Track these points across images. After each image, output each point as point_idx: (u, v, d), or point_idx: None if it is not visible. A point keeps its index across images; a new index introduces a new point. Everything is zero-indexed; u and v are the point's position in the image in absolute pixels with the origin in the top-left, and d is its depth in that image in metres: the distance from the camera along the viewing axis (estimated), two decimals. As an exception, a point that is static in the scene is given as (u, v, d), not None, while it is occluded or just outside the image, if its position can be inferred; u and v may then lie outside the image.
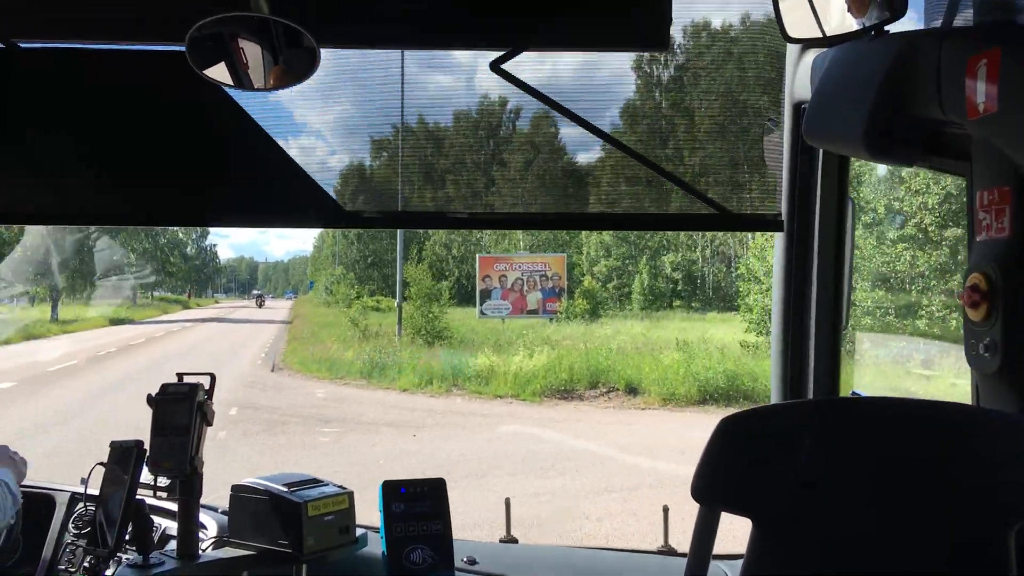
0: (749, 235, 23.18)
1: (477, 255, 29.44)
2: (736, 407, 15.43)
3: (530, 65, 2.31)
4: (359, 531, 2.14)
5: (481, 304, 26.86)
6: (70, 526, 2.50)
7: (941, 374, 16.02)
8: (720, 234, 30.75)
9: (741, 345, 21.26)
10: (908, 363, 17.47)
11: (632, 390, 18.59)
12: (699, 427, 14.47)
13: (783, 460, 1.35)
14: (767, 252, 20.33)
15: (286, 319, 37.31)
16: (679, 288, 36.07)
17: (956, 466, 1.30)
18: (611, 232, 31.61)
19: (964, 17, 1.68)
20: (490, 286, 26.79)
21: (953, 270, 17.84)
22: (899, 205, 19.08)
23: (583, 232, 33.20)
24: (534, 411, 17.09)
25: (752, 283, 22.48)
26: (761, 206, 2.55)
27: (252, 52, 1.87)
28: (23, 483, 2.36)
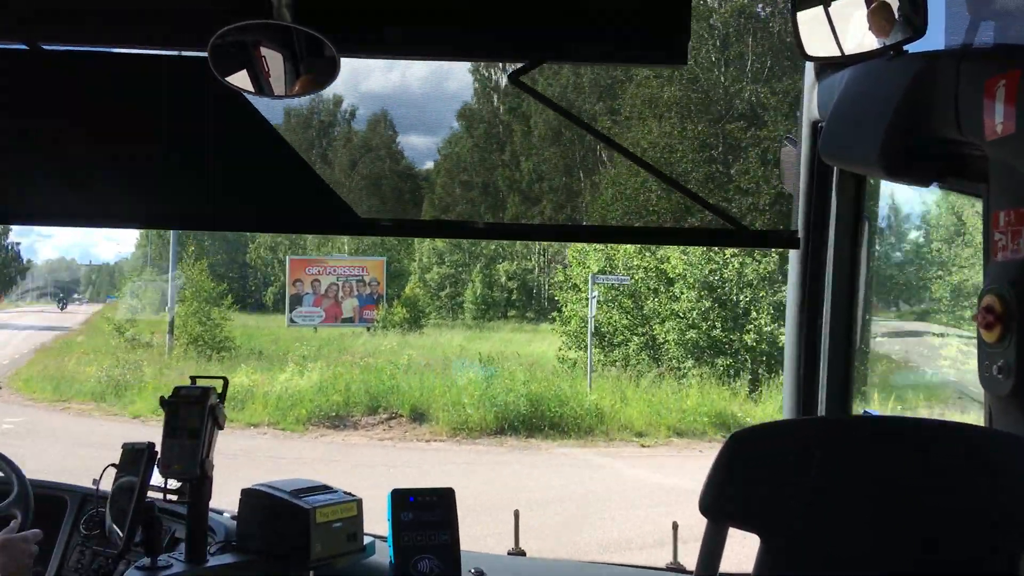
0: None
1: (288, 257, 26.30)
2: (538, 441, 14.26)
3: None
4: (367, 539, 2.14)
5: (291, 311, 23.96)
6: (80, 527, 2.51)
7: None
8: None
9: (559, 361, 19.21)
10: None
11: (418, 416, 15.35)
12: (490, 465, 12.38)
13: (792, 477, 1.34)
14: (589, 257, 19.38)
15: (72, 327, 30.72)
16: (513, 298, 33.53)
17: (968, 488, 1.29)
18: (444, 239, 29.69)
19: (983, 38, 1.68)
20: (301, 291, 24.03)
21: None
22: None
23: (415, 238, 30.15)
24: (289, 445, 13.65)
25: (570, 291, 20.52)
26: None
27: (274, 60, 1.89)
28: (35, 480, 2.38)
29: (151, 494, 2.10)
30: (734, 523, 1.39)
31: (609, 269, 19.15)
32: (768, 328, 17.35)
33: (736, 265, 17.68)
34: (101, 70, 2.32)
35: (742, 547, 1.55)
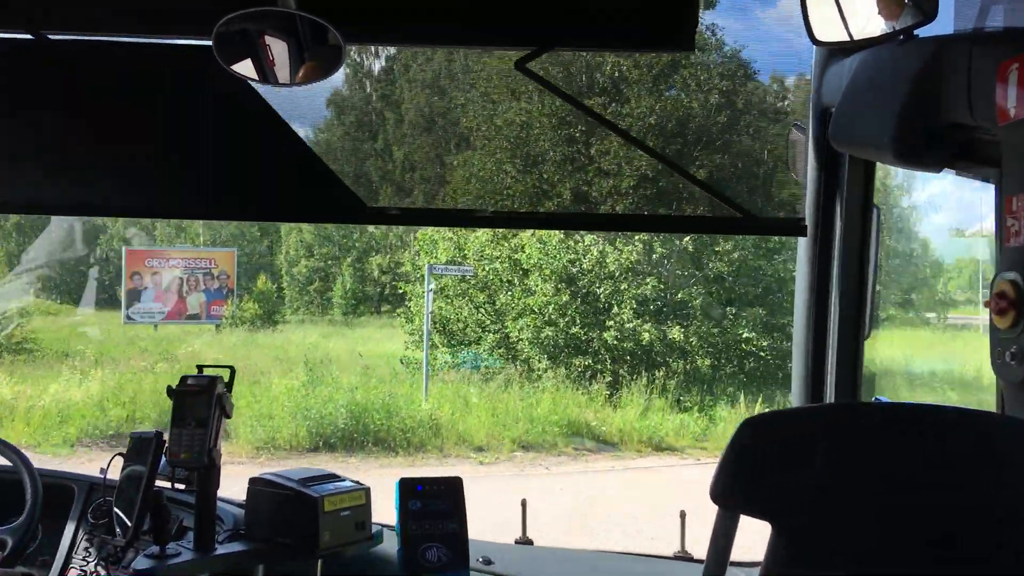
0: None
1: (123, 248, 22.86)
2: (357, 460, 11.79)
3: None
4: (375, 528, 2.14)
5: (128, 308, 20.92)
6: (88, 516, 2.52)
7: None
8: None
9: (401, 362, 16.68)
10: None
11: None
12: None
13: (804, 464, 1.33)
14: (438, 245, 16.89)
15: None
16: (387, 292, 30.40)
17: (981, 475, 1.28)
18: (313, 229, 27.12)
19: (995, 21, 1.66)
20: (140, 285, 21.13)
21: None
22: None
23: (282, 228, 27.59)
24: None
25: (417, 283, 17.75)
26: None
27: (278, 47, 1.88)
28: (42, 470, 2.38)
29: (159, 483, 2.10)
30: (745, 511, 1.39)
31: (460, 259, 16.80)
32: (630, 324, 15.70)
33: (596, 254, 15.91)
34: (106, 59, 2.31)
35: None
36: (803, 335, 2.25)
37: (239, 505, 2.32)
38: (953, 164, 1.75)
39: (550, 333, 15.83)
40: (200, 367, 2.09)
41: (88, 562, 2.44)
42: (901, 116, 1.63)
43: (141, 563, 1.92)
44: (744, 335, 16.24)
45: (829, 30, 1.96)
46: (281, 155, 2.32)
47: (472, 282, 16.84)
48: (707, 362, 16.41)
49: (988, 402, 1.88)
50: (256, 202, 2.38)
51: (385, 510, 2.23)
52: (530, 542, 2.68)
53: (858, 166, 2.13)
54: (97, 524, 2.45)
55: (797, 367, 2.25)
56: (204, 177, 2.32)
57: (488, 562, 2.39)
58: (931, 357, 21.40)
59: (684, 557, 2.58)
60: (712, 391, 16.01)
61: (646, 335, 15.77)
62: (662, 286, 16.31)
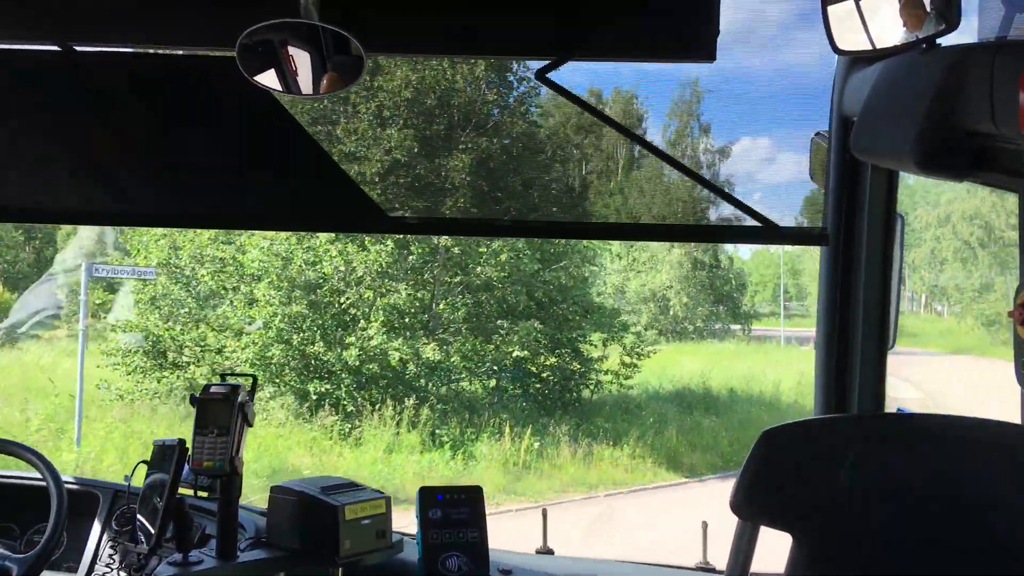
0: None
1: None
2: None
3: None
4: (395, 536, 2.14)
5: None
6: (112, 523, 2.54)
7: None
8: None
9: (99, 387, 12.83)
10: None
11: None
12: None
13: (825, 475, 1.33)
14: (150, 247, 13.49)
15: None
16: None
17: (1004, 485, 1.27)
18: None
19: (1018, 30, 1.65)
20: None
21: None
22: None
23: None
24: None
25: (108, 292, 14.66)
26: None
27: (301, 58, 1.90)
28: (68, 477, 2.40)
29: (182, 490, 2.12)
30: (765, 522, 1.38)
31: (174, 260, 13.62)
32: (376, 341, 12.90)
33: (336, 254, 13.06)
34: (131, 71, 2.34)
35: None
36: (825, 345, 2.23)
37: (261, 513, 2.33)
38: (975, 173, 1.74)
39: (277, 352, 12.82)
40: (223, 375, 2.11)
41: (112, 569, 2.46)
42: (923, 125, 1.63)
43: (164, 570, 1.93)
44: (516, 353, 14.31)
45: (851, 39, 1.95)
46: (303, 165, 2.34)
47: (194, 290, 13.75)
48: (475, 386, 14.47)
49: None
50: (281, 213, 2.39)
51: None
52: (551, 552, 2.67)
53: (881, 174, 2.12)
54: (121, 531, 2.47)
55: (819, 377, 2.24)
56: (228, 188, 2.34)
57: (508, 572, 2.39)
58: (733, 369, 21.17)
59: (706, 568, 2.56)
60: (475, 422, 13.48)
61: (396, 354, 13.02)
62: (419, 294, 13.84)
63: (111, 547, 2.51)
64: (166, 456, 2.16)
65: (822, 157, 2.28)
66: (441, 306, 14.28)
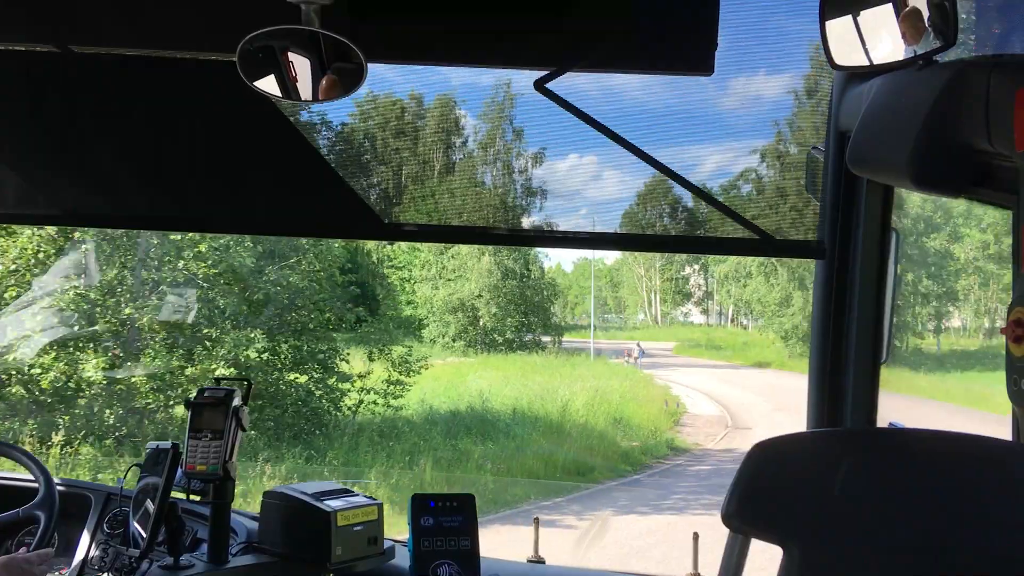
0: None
1: None
2: None
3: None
4: (387, 543, 2.14)
5: None
6: (104, 526, 2.53)
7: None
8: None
9: None
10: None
11: None
12: None
13: (817, 487, 1.33)
14: None
15: None
16: None
17: (996, 501, 1.28)
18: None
19: (1014, 48, 1.66)
20: None
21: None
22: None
23: None
24: None
25: None
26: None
27: (301, 65, 1.91)
28: (60, 479, 2.40)
29: (174, 494, 2.12)
30: (756, 534, 1.38)
31: None
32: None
33: None
34: (130, 74, 2.35)
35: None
36: (819, 358, 2.24)
37: (253, 518, 2.33)
38: (970, 189, 1.75)
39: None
40: (218, 379, 2.11)
41: (103, 572, 2.45)
42: (919, 141, 1.64)
43: (155, 574, 1.93)
44: (220, 370, 11.57)
45: (848, 55, 1.96)
46: (302, 171, 2.34)
47: None
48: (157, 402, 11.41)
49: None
50: (278, 218, 2.40)
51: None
52: (542, 561, 2.67)
53: (876, 189, 2.13)
54: (112, 534, 2.46)
55: (812, 390, 2.24)
56: (225, 192, 2.34)
57: None
58: (528, 385, 20.28)
59: None
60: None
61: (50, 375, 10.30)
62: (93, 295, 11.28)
63: (102, 550, 2.50)
64: (159, 459, 2.15)
65: (819, 171, 2.29)
66: (128, 310, 11.38)
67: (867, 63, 1.92)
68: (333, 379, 14.23)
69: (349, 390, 14.48)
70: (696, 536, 2.69)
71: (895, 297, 2.20)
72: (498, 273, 28.48)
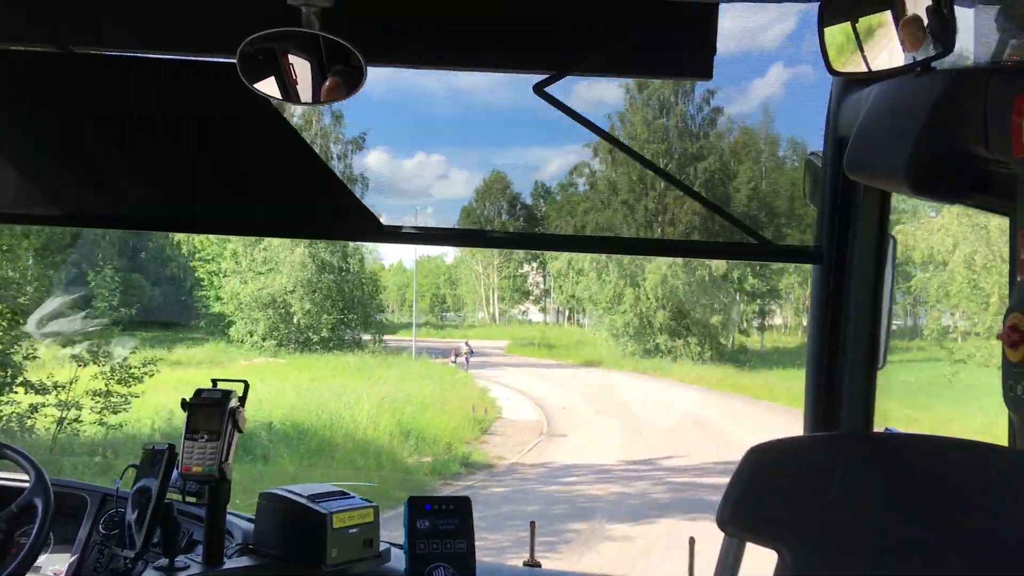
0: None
1: None
2: None
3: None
4: (382, 546, 2.14)
5: None
6: (100, 527, 2.53)
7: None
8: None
9: None
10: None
11: None
12: None
13: (812, 492, 1.33)
14: None
15: None
16: None
17: (992, 506, 1.28)
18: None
19: (1013, 55, 1.67)
20: None
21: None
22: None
23: None
24: None
25: None
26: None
27: (301, 67, 1.91)
28: (55, 480, 2.39)
29: (170, 495, 2.11)
30: (751, 538, 1.38)
31: None
32: None
33: None
34: (130, 75, 2.35)
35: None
36: (815, 362, 2.24)
37: (249, 519, 2.33)
38: (968, 195, 1.76)
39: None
40: (214, 381, 2.11)
41: (98, 573, 2.44)
42: (916, 147, 1.64)
43: (150, 575, 1.92)
44: None
45: (846, 61, 1.96)
46: (301, 173, 2.35)
47: None
48: None
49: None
50: (278, 220, 2.40)
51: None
52: (538, 565, 2.67)
53: (874, 195, 2.13)
54: (108, 535, 2.46)
55: (809, 394, 2.25)
56: (225, 193, 2.35)
57: None
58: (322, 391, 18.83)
59: None
60: None
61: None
62: None
63: (98, 551, 2.49)
64: (155, 460, 2.15)
65: (817, 177, 2.30)
66: None
67: (865, 70, 1.92)
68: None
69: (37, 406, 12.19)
70: (692, 540, 2.69)
71: (892, 302, 2.21)
72: (313, 266, 27.04)
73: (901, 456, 1.34)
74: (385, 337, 32.48)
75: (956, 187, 1.69)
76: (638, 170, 31.26)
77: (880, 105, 1.86)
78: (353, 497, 2.13)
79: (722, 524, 1.39)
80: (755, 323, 37.18)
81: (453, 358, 30.44)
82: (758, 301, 36.00)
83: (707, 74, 2.27)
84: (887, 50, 1.86)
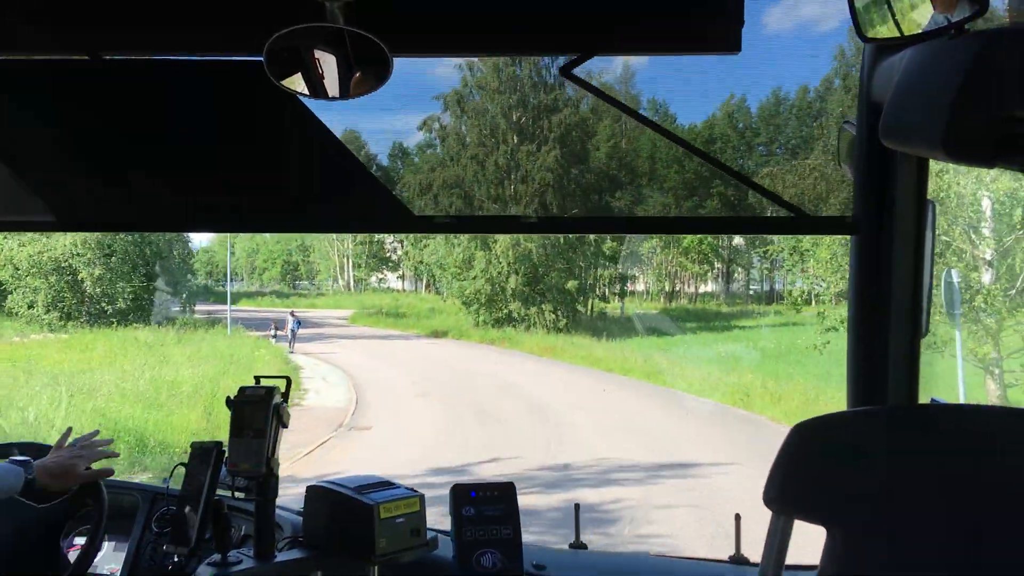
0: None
1: None
2: None
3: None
4: (429, 534, 2.16)
5: None
6: (152, 524, 2.58)
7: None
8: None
9: None
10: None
11: None
12: None
13: (859, 467, 1.32)
14: None
15: None
16: None
17: None
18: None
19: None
20: None
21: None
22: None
23: None
24: None
25: None
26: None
27: (327, 62, 1.92)
28: (110, 480, 2.44)
29: (219, 491, 2.15)
30: (799, 515, 1.38)
31: None
32: None
33: None
34: (160, 78, 2.37)
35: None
36: (856, 335, 2.22)
37: (297, 513, 2.36)
38: (1005, 159, 1.72)
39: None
40: (257, 378, 2.14)
41: (153, 570, 2.49)
42: (952, 111, 1.61)
43: (204, 571, 1.96)
44: None
45: (878, 27, 1.93)
46: (331, 167, 2.36)
47: None
48: None
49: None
50: (311, 216, 2.42)
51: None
52: (584, 546, 2.68)
53: (911, 161, 2.10)
54: (161, 533, 2.51)
55: (851, 368, 2.22)
56: (259, 191, 2.37)
57: (541, 567, 2.40)
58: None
59: (740, 560, 2.56)
60: None
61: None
62: None
63: (152, 549, 2.54)
64: (203, 458, 2.19)
65: (851, 146, 2.26)
66: None
67: (897, 35, 1.89)
68: None
69: None
70: (738, 517, 2.68)
71: (932, 270, 2.17)
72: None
73: (949, 428, 1.33)
74: (216, 308, 29.41)
75: (992, 151, 1.66)
76: (489, 124, 30.08)
77: (913, 70, 1.83)
78: (398, 487, 2.15)
79: (769, 502, 1.38)
80: (615, 288, 35.54)
81: (273, 332, 27.53)
82: (617, 266, 34.40)
83: (736, 47, 2.25)
84: (919, 13, 1.83)
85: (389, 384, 20.56)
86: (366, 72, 1.92)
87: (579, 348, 26.70)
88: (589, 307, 33.44)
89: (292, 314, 29.14)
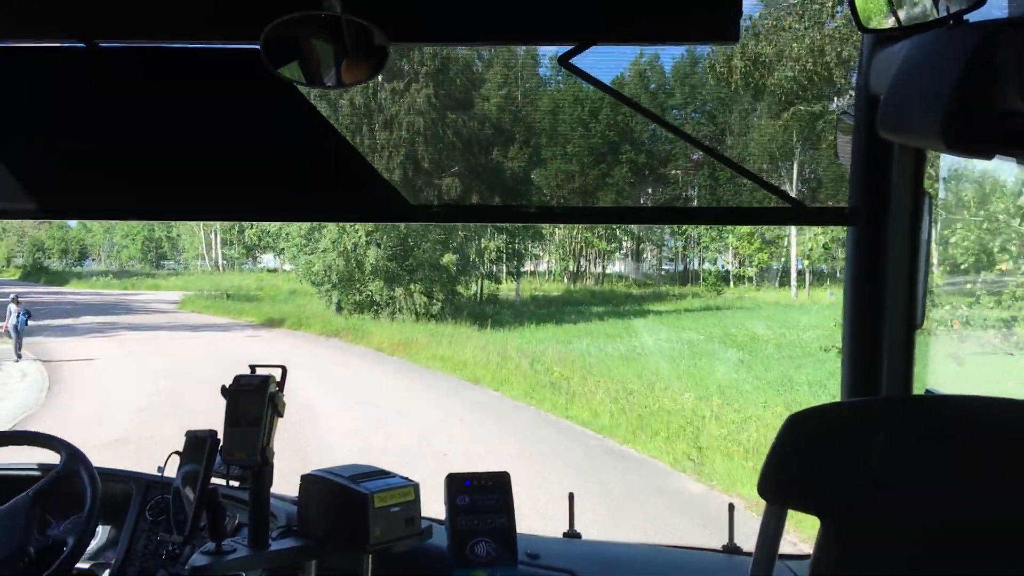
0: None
1: None
2: None
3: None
4: (424, 523, 2.16)
5: None
6: (146, 513, 2.58)
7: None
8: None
9: None
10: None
11: None
12: None
13: (854, 458, 1.32)
14: None
15: None
16: None
17: None
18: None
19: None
20: None
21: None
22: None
23: None
24: None
25: None
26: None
27: (324, 50, 1.90)
28: (100, 469, 2.44)
29: (214, 480, 2.15)
30: (793, 505, 1.38)
31: None
32: None
33: None
34: (155, 65, 2.36)
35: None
36: (852, 326, 2.22)
37: (292, 502, 2.36)
38: (1004, 151, 1.72)
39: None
40: (252, 367, 2.13)
41: (147, 559, 2.49)
42: (951, 102, 1.61)
43: (198, 560, 1.96)
44: None
45: (876, 17, 1.93)
46: (328, 156, 2.35)
47: None
48: None
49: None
50: (307, 204, 2.41)
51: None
52: (578, 535, 2.68)
53: (908, 153, 2.10)
54: (155, 522, 2.51)
55: (847, 359, 2.22)
56: (253, 179, 2.35)
57: (535, 556, 2.40)
58: None
59: (733, 550, 2.57)
60: None
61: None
62: None
63: (146, 537, 2.54)
64: (198, 447, 2.19)
65: (849, 137, 2.26)
66: None
67: (895, 24, 1.88)
68: None
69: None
70: (732, 507, 2.69)
71: (928, 261, 2.17)
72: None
73: (944, 418, 1.33)
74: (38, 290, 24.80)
75: (991, 143, 1.66)
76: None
77: (911, 60, 1.83)
78: (393, 476, 2.15)
79: (763, 492, 1.39)
80: (512, 267, 29.38)
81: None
82: (510, 239, 28.10)
83: (735, 36, 2.24)
84: (918, 3, 1.83)
85: (139, 407, 14.84)
86: (362, 60, 1.92)
87: (449, 343, 20.85)
88: (475, 288, 27.28)
89: (16, 301, 21.03)
